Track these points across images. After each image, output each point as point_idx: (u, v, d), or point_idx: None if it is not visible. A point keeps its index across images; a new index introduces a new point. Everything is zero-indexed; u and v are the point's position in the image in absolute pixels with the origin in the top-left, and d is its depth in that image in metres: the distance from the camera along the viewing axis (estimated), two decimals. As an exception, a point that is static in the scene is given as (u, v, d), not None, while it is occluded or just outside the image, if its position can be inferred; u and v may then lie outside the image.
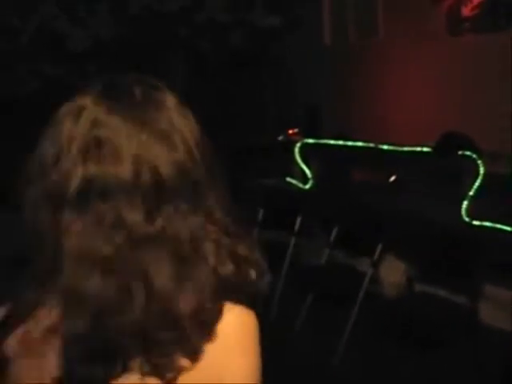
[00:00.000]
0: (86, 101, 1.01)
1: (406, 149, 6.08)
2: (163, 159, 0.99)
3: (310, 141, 6.96)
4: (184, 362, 0.98)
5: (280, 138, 7.67)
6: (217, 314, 1.00)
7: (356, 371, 4.35)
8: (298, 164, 6.89)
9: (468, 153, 5.53)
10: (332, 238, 5.24)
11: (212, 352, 0.99)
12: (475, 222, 5.22)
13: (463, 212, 5.32)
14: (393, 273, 5.09)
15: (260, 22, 7.89)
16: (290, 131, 7.71)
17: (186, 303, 0.98)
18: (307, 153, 6.92)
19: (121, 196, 0.97)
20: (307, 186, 6.77)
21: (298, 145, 6.91)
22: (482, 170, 5.41)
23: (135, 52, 6.95)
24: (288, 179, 6.89)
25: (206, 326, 0.99)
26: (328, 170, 6.82)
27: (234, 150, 7.42)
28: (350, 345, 4.57)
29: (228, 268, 1.03)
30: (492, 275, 4.53)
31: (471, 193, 5.38)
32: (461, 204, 5.34)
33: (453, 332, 4.19)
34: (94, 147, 0.98)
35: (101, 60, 6.16)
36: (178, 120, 1.03)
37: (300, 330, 5.00)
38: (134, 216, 0.97)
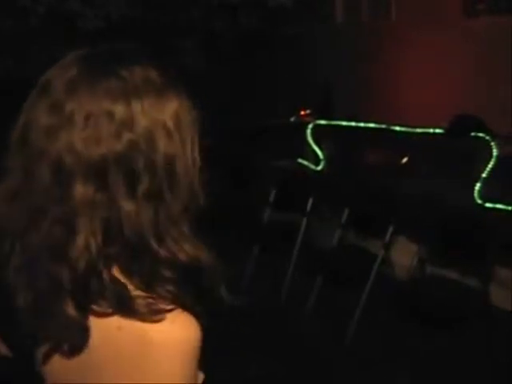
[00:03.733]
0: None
1: (418, 130, 6.05)
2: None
3: (323, 122, 6.94)
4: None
5: (292, 119, 7.63)
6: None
7: (367, 353, 4.36)
8: (310, 145, 6.86)
9: (481, 134, 5.49)
10: (343, 219, 5.23)
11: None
12: (488, 205, 5.20)
13: (476, 194, 5.29)
14: (404, 255, 5.08)
15: (272, 2, 7.84)
16: (302, 112, 7.67)
17: None
18: (319, 134, 6.89)
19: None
20: (319, 168, 6.75)
21: (310, 126, 6.88)
22: (495, 152, 5.38)
23: (148, 32, 6.92)
24: (300, 160, 6.87)
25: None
26: (340, 151, 6.80)
27: (246, 131, 7.40)
28: (360, 327, 4.58)
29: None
30: (504, 258, 4.51)
31: (484, 175, 5.35)
32: (473, 186, 5.31)
33: (464, 315, 4.19)
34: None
35: (113, 40, 6.13)
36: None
37: (311, 312, 5.02)
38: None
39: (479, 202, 5.25)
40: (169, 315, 0.96)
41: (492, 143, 5.41)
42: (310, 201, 5.54)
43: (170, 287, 0.98)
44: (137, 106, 0.97)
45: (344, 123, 6.73)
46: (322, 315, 4.91)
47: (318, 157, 6.81)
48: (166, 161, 0.98)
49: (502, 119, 5.87)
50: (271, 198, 5.88)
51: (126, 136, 0.95)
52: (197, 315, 0.98)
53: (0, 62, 6.62)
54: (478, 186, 5.31)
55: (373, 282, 4.64)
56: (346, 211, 5.20)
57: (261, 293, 4.95)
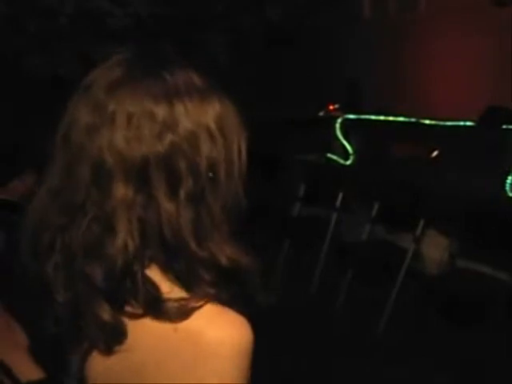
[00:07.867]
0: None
1: (448, 123, 6.00)
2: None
3: (351, 116, 6.92)
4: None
5: (321, 113, 7.62)
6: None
7: (397, 346, 4.35)
8: (339, 140, 6.85)
9: (512, 127, 5.44)
10: (373, 213, 5.22)
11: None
12: (519, 198, 5.15)
13: (507, 187, 5.25)
14: (435, 249, 5.06)
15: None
16: (331, 107, 7.65)
17: None
18: (348, 128, 6.88)
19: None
20: (348, 162, 6.74)
21: (339, 120, 6.87)
22: (526, 145, 5.33)
23: (175, 29, 6.95)
24: (329, 155, 6.86)
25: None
26: (369, 145, 6.78)
27: (275, 125, 7.40)
28: (390, 321, 4.57)
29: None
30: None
31: (516, 168, 5.30)
32: (505, 179, 5.26)
33: (495, 308, 4.16)
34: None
35: (141, 38, 6.20)
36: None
37: (341, 306, 5.02)
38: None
39: (511, 194, 5.21)
40: (225, 317, 0.96)
41: (524, 135, 5.36)
42: (340, 195, 5.53)
43: (209, 289, 0.97)
44: (180, 108, 0.96)
45: (373, 117, 6.71)
46: (352, 310, 4.91)
47: (347, 151, 6.80)
48: (208, 164, 0.97)
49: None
50: (300, 193, 5.88)
51: (169, 137, 0.95)
52: (246, 316, 0.98)
53: (29, 61, 6.69)
54: (509, 178, 5.26)
55: (403, 277, 4.62)
56: (376, 205, 5.19)
57: (291, 288, 4.96)
